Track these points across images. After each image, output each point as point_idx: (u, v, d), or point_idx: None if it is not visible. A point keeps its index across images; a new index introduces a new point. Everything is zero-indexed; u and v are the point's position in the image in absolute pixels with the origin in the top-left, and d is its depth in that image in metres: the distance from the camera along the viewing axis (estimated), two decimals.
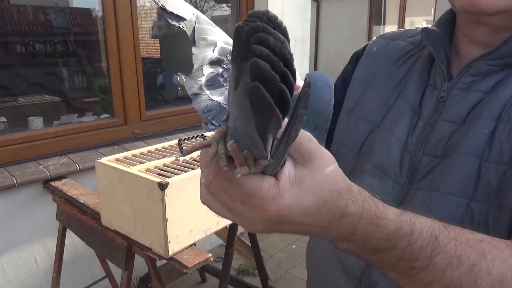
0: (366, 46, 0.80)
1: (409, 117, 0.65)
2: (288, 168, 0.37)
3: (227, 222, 1.49)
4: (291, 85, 0.28)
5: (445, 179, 0.58)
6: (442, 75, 0.63)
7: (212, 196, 0.39)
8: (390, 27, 9.76)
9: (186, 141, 1.52)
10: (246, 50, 0.28)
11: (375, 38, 0.81)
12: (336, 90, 0.81)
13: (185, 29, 0.47)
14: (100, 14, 2.48)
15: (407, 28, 0.78)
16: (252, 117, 0.29)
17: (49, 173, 1.82)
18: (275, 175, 0.36)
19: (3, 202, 1.75)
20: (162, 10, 0.45)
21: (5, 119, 2.12)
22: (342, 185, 0.40)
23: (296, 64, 3.03)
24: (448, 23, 0.67)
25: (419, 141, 0.63)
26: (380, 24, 9.98)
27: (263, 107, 0.27)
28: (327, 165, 0.39)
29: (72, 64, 3.96)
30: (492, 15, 0.55)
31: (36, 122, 2.27)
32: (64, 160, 1.94)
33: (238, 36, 0.28)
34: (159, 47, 4.13)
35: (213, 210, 0.41)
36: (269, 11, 0.29)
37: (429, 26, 0.70)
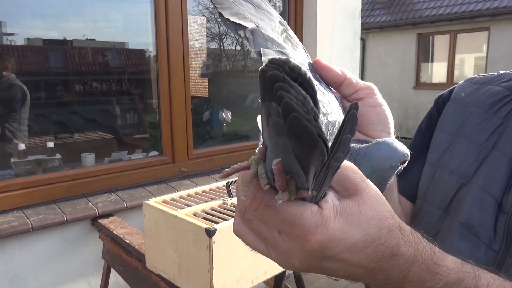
0: (452, 90, 0.72)
1: (506, 172, 0.57)
2: (332, 199, 0.34)
3: (275, 272, 1.40)
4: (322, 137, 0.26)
5: None
6: None
7: (246, 225, 0.35)
8: (439, 65, 9.51)
9: (235, 184, 1.48)
10: (270, 94, 0.27)
11: (462, 81, 0.73)
12: (421, 134, 0.73)
13: (246, 38, 0.41)
14: (153, 54, 2.58)
15: (501, 72, 0.70)
16: (291, 151, 0.27)
17: (98, 210, 1.83)
18: (317, 203, 0.33)
19: (53, 238, 1.77)
20: (220, 16, 0.40)
21: (60, 156, 2.20)
22: (392, 222, 0.35)
23: None
24: None
25: None
26: (428, 62, 9.77)
27: (305, 140, 0.26)
28: (375, 199, 0.35)
29: (124, 102, 4.15)
30: None
31: (89, 158, 2.34)
32: (113, 197, 1.96)
33: (262, 80, 0.27)
34: (207, 86, 4.24)
35: (246, 242, 0.36)
36: (290, 61, 0.27)
37: None
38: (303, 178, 0.29)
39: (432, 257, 0.37)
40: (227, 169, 0.34)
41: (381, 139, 0.45)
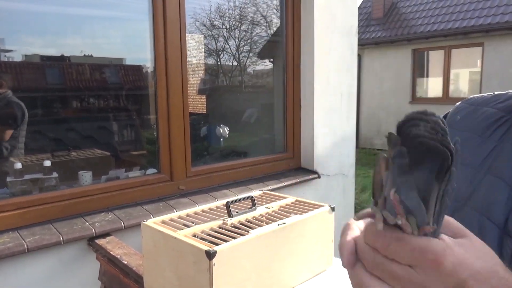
0: (446, 116, 0.72)
1: (504, 196, 0.56)
2: (446, 237, 0.37)
3: None
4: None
5: None
6: None
7: (376, 273, 0.38)
8: (434, 79, 9.61)
9: (235, 203, 1.46)
10: (396, 143, 0.33)
11: (459, 103, 0.73)
12: None
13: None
14: (150, 70, 2.58)
15: (496, 93, 0.70)
16: (414, 186, 0.33)
17: (95, 230, 1.80)
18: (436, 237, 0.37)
19: (49, 259, 1.73)
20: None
21: (57, 175, 2.18)
22: (500, 261, 0.38)
23: (343, 119, 2.98)
24: None
25: None
26: (424, 77, 9.87)
27: (429, 155, 0.32)
28: (481, 242, 0.39)
29: (122, 118, 4.15)
30: None
31: (86, 176, 2.31)
32: (110, 216, 1.93)
33: (392, 136, 0.34)
34: (205, 102, 4.24)
35: None
36: (427, 111, 0.34)
37: None
38: (424, 213, 0.34)
39: None
40: (358, 214, 0.42)
41: None
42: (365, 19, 10.92)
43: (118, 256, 1.63)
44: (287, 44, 2.77)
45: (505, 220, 0.55)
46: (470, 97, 0.73)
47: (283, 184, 2.56)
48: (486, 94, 0.71)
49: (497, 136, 0.62)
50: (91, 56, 3.82)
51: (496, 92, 0.70)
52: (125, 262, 1.58)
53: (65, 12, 2.80)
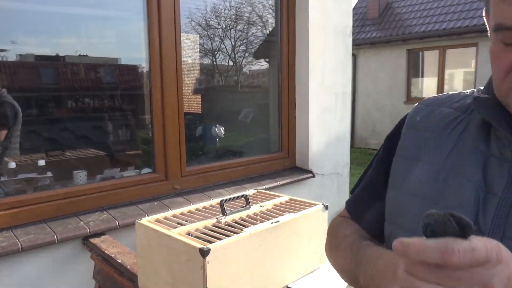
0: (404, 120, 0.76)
1: (472, 193, 0.58)
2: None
3: None
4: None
5: None
6: (511, 147, 0.57)
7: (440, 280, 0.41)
8: (429, 79, 9.66)
9: (230, 202, 1.47)
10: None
11: (417, 104, 0.76)
12: (381, 159, 0.77)
13: None
14: (146, 69, 2.58)
15: (450, 93, 0.73)
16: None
17: (89, 229, 1.80)
18: None
19: (43, 258, 1.73)
20: None
21: (51, 174, 2.17)
22: None
23: (338, 119, 3.00)
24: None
25: (496, 222, 0.55)
26: (419, 77, 9.92)
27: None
28: None
29: (117, 118, 4.14)
30: None
31: (81, 176, 2.31)
32: (105, 216, 1.93)
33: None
34: (200, 102, 4.24)
35: None
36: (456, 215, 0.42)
37: (479, 94, 0.66)
38: None
39: None
40: None
41: None
42: (360, 19, 10.96)
43: (113, 255, 1.64)
44: (282, 44, 2.78)
45: (475, 219, 0.56)
46: (427, 98, 0.75)
47: (278, 183, 2.57)
48: (440, 95, 0.74)
49: (455, 134, 0.64)
50: (86, 55, 3.82)
51: (449, 93, 0.73)
52: (120, 261, 1.58)
53: (60, 11, 2.80)
